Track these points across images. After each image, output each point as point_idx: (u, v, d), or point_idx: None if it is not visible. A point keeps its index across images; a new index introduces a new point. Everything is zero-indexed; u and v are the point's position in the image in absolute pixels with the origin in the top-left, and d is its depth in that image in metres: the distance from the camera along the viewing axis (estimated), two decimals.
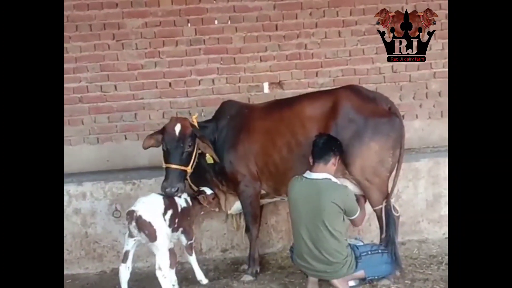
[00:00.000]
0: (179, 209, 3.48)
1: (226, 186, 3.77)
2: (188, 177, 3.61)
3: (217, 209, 3.89)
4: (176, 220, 3.44)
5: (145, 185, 4.17)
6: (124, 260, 3.34)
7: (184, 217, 3.53)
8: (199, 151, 3.58)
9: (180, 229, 3.51)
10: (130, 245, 3.34)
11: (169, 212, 3.38)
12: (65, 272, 4.03)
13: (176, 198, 3.50)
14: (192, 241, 3.63)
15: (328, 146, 3.17)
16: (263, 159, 3.61)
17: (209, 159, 3.59)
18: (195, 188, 3.77)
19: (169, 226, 3.37)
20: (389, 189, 3.46)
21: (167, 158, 3.47)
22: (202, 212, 3.80)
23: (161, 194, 3.46)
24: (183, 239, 3.58)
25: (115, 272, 3.45)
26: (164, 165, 3.49)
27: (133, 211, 3.23)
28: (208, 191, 3.72)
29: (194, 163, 3.55)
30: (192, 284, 3.66)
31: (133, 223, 3.22)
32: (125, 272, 3.32)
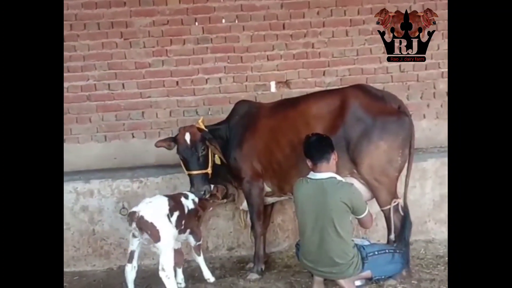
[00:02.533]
0: (186, 211, 3.48)
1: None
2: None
3: (225, 200, 3.91)
4: (183, 222, 3.43)
5: (152, 183, 4.19)
6: (130, 260, 3.34)
7: (192, 218, 3.53)
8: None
9: (188, 231, 3.51)
10: (135, 245, 3.33)
11: (176, 214, 3.37)
12: (72, 269, 4.07)
13: (183, 200, 3.52)
14: (200, 242, 3.63)
15: (324, 145, 3.15)
16: (266, 157, 3.64)
17: (217, 159, 3.72)
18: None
19: (176, 227, 3.37)
20: (401, 190, 3.45)
21: (187, 166, 3.64)
22: (211, 208, 3.83)
23: (166, 196, 3.48)
24: (191, 240, 3.58)
25: (122, 269, 3.47)
26: (186, 173, 3.65)
27: (134, 212, 3.24)
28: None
29: (213, 163, 3.70)
30: (199, 282, 3.67)
31: (134, 225, 3.22)
32: (131, 272, 3.33)
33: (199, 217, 3.61)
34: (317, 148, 3.14)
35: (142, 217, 3.21)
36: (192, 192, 3.59)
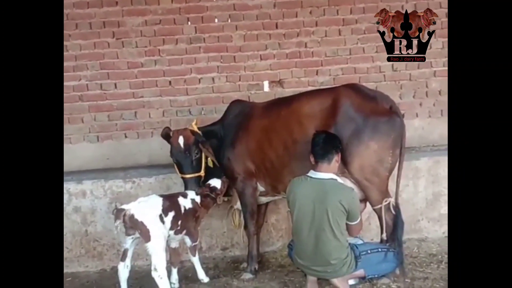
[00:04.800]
0: (183, 211, 3.45)
1: None
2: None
3: (226, 198, 3.88)
4: (179, 222, 3.40)
5: (145, 184, 4.17)
6: (123, 258, 3.33)
7: (189, 218, 3.49)
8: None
9: (184, 231, 3.48)
10: (128, 243, 3.32)
11: (171, 214, 3.35)
12: (65, 270, 4.03)
13: (180, 199, 3.49)
14: (197, 243, 3.60)
15: (329, 145, 3.14)
16: (259, 156, 3.64)
17: (210, 162, 3.73)
18: None
19: (171, 228, 3.35)
20: (393, 189, 3.45)
21: (180, 169, 3.66)
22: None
23: (162, 196, 3.46)
24: (188, 241, 3.55)
25: (115, 270, 3.45)
26: (179, 175, 3.68)
27: (122, 210, 3.21)
28: (217, 183, 3.65)
29: (206, 165, 3.70)
30: (192, 283, 3.66)
31: (117, 222, 3.20)
32: (124, 271, 3.31)
33: (197, 217, 3.58)
34: (320, 147, 3.14)
35: (132, 215, 3.19)
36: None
